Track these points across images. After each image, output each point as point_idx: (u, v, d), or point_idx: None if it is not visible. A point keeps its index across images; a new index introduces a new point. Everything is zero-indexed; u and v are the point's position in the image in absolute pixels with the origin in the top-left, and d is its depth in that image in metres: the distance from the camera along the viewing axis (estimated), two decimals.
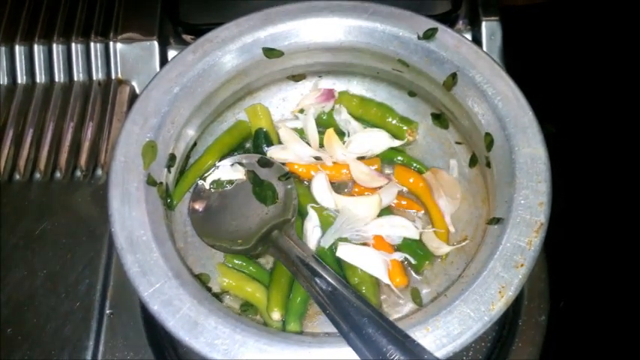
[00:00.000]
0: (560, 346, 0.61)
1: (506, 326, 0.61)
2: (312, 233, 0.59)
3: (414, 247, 0.58)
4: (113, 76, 0.75)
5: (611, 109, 0.67)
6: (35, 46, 0.76)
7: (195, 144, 0.63)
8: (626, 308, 0.61)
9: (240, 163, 0.61)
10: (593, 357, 0.60)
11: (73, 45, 0.76)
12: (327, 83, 0.66)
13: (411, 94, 0.65)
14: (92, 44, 0.75)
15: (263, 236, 0.56)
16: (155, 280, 0.48)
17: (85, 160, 0.70)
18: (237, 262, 0.58)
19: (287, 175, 0.60)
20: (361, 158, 0.62)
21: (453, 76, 0.58)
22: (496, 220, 0.52)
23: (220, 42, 0.60)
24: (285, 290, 0.56)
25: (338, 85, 0.67)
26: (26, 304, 0.61)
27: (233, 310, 0.53)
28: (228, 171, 0.61)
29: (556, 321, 0.61)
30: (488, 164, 0.57)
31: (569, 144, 0.64)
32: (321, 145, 0.63)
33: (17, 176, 0.69)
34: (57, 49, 0.76)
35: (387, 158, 0.63)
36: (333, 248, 0.57)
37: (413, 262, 0.57)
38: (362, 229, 0.58)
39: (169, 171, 0.57)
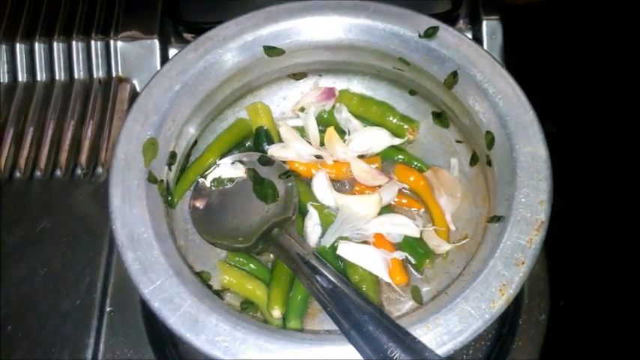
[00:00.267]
0: (561, 345, 0.61)
1: (506, 325, 0.61)
2: (313, 231, 0.59)
3: (414, 246, 0.58)
4: (114, 74, 0.75)
5: (612, 108, 0.67)
6: (36, 44, 0.76)
7: (195, 142, 0.63)
8: (627, 307, 0.61)
9: (241, 162, 0.61)
10: (593, 356, 0.60)
11: (74, 43, 0.76)
12: (327, 82, 0.66)
13: (412, 92, 0.65)
14: (93, 42, 0.75)
15: (264, 234, 0.56)
16: (156, 277, 0.48)
17: (86, 159, 0.70)
18: (238, 259, 0.58)
19: (287, 174, 0.60)
20: (362, 157, 0.62)
21: (454, 74, 0.58)
22: (497, 219, 0.52)
23: (221, 40, 0.60)
24: (286, 288, 0.56)
25: (338, 83, 0.67)
26: (26, 302, 0.61)
27: (234, 308, 0.53)
28: (229, 169, 0.61)
29: (556, 320, 0.61)
30: (489, 163, 0.57)
31: (570, 142, 0.64)
32: (322, 144, 0.63)
33: (18, 174, 0.69)
34: (58, 47, 0.76)
35: (387, 157, 0.63)
36: (334, 246, 0.57)
37: (413, 261, 0.57)
38: (362, 228, 0.58)
39: (170, 169, 0.57)
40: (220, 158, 0.62)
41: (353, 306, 0.47)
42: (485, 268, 0.49)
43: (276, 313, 0.54)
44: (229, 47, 0.60)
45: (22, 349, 0.59)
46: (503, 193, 0.53)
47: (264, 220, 0.58)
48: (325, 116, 0.65)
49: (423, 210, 0.61)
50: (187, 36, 0.77)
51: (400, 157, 0.63)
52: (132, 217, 0.51)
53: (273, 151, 0.62)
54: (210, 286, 0.56)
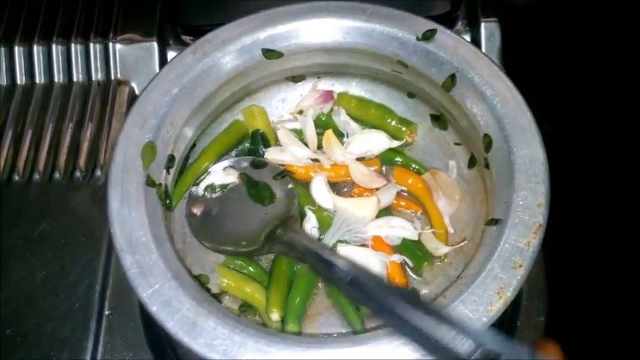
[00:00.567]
0: (559, 347, 0.61)
1: (504, 327, 0.61)
2: (311, 234, 0.59)
3: (412, 248, 0.58)
4: (112, 77, 0.75)
5: (610, 110, 0.67)
6: (34, 47, 0.76)
7: (194, 145, 0.63)
8: (625, 309, 0.61)
9: (233, 167, 0.61)
10: (591, 357, 0.60)
11: (73, 46, 0.76)
12: (326, 84, 0.66)
13: (410, 95, 0.65)
14: (92, 45, 0.75)
15: (268, 235, 0.56)
16: (154, 280, 0.48)
17: (85, 161, 0.70)
18: (237, 262, 0.58)
19: (282, 174, 0.60)
20: (360, 159, 0.62)
21: (452, 77, 0.58)
22: (495, 221, 0.52)
23: (220, 43, 0.60)
24: (284, 291, 0.56)
25: (337, 86, 0.67)
26: (25, 305, 0.61)
27: (232, 311, 0.53)
28: (221, 175, 0.60)
29: (554, 322, 0.61)
30: (487, 165, 0.57)
31: (569, 145, 0.64)
32: (320, 147, 0.64)
33: (16, 177, 0.69)
34: (56, 49, 0.76)
35: (386, 159, 0.63)
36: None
37: (411, 264, 0.57)
38: (361, 231, 0.58)
39: (168, 172, 0.57)
40: (214, 163, 0.61)
41: (377, 289, 0.45)
42: (483, 271, 0.49)
43: (275, 316, 0.54)
44: (228, 50, 0.60)
45: (21, 351, 0.59)
46: (501, 195, 0.53)
47: (265, 222, 0.58)
48: (323, 119, 0.65)
49: (421, 212, 0.61)
50: (186, 38, 0.77)
51: (398, 159, 0.63)
52: (130, 221, 0.51)
53: (271, 154, 0.62)
54: (208, 290, 0.56)
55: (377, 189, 0.61)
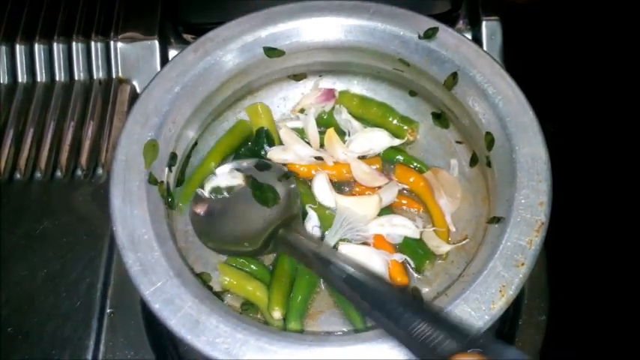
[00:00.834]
0: (560, 345, 0.61)
1: (506, 325, 0.61)
2: (312, 233, 0.59)
3: (414, 247, 0.58)
4: (114, 76, 0.75)
5: (612, 108, 0.67)
6: (36, 45, 0.76)
7: (196, 143, 0.63)
8: (627, 308, 0.61)
9: (238, 169, 0.61)
10: (593, 356, 0.60)
11: (74, 44, 0.76)
12: (327, 82, 0.66)
13: (412, 93, 0.65)
14: (93, 43, 0.75)
15: (270, 236, 0.56)
16: (156, 278, 0.48)
17: (86, 160, 0.70)
18: (239, 260, 0.58)
19: (287, 175, 0.60)
20: (362, 158, 0.62)
21: (454, 75, 0.58)
22: (497, 220, 0.52)
23: (221, 41, 0.60)
24: (286, 289, 0.56)
25: (339, 84, 0.67)
26: (27, 304, 0.61)
27: (234, 309, 0.53)
28: (227, 178, 0.60)
29: (556, 320, 0.61)
30: (489, 163, 0.57)
31: (570, 143, 0.64)
32: (322, 145, 0.64)
33: (18, 175, 0.69)
34: (57, 48, 0.76)
35: (387, 158, 0.63)
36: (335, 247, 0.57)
37: (412, 265, 0.57)
38: (362, 229, 0.58)
39: (170, 170, 0.57)
40: (218, 165, 0.61)
41: (371, 288, 0.46)
42: (485, 269, 0.49)
43: (277, 314, 0.54)
44: (229, 48, 0.60)
45: (22, 350, 0.59)
46: (503, 194, 0.53)
47: (268, 222, 0.58)
48: (325, 117, 0.65)
49: (422, 211, 0.61)
50: (187, 37, 0.77)
51: (400, 157, 0.63)
52: (132, 219, 0.51)
53: (273, 153, 0.62)
54: (210, 288, 0.56)
55: (379, 187, 0.61)
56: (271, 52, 0.61)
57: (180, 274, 0.49)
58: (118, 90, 0.74)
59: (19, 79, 0.76)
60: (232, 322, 0.47)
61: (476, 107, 0.57)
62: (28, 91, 0.75)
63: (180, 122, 0.58)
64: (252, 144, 0.64)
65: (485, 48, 0.73)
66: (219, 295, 0.56)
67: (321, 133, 0.63)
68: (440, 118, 0.64)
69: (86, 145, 0.71)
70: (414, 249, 0.58)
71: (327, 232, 0.58)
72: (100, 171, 0.69)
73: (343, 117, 0.64)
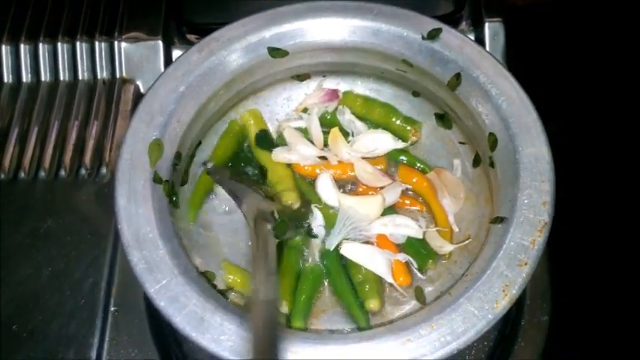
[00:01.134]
0: (563, 346, 0.61)
1: (508, 325, 0.61)
2: (317, 232, 0.59)
3: (417, 247, 0.59)
4: (118, 75, 0.75)
5: (616, 109, 0.67)
6: (40, 45, 0.76)
7: (200, 142, 0.63)
8: (629, 308, 0.61)
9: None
10: (596, 357, 0.60)
11: (78, 44, 0.76)
12: (331, 83, 0.67)
13: (415, 94, 0.65)
14: (97, 43, 0.76)
15: None
16: (161, 276, 0.49)
17: (90, 159, 0.70)
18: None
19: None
20: (366, 158, 0.63)
21: (457, 76, 0.58)
22: (500, 220, 0.53)
23: (226, 41, 0.60)
24: (292, 284, 0.56)
25: (342, 84, 0.67)
26: (31, 302, 0.61)
27: (238, 307, 0.53)
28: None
29: (558, 321, 0.61)
30: (492, 164, 0.57)
31: (573, 143, 0.65)
32: (326, 145, 0.64)
33: (22, 174, 0.69)
34: (62, 48, 0.76)
35: (391, 158, 0.63)
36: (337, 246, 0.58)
37: (415, 265, 0.58)
38: (365, 229, 0.58)
39: (175, 169, 0.57)
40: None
41: None
42: (488, 269, 0.49)
43: (284, 308, 0.54)
44: (234, 48, 0.60)
45: (27, 348, 0.60)
46: (506, 194, 0.54)
47: None
48: (328, 118, 0.65)
49: (425, 211, 0.61)
50: (191, 37, 0.77)
51: (403, 158, 0.63)
52: (137, 217, 0.51)
53: (278, 154, 0.62)
54: (214, 286, 0.56)
55: (382, 187, 0.61)
56: (275, 52, 0.61)
57: (184, 272, 0.50)
58: (122, 90, 0.75)
59: (24, 79, 0.76)
60: (237, 320, 0.47)
61: (479, 108, 0.58)
62: (32, 90, 0.75)
63: (185, 122, 0.58)
64: (249, 146, 0.65)
65: (488, 49, 0.73)
66: (223, 293, 0.56)
67: (325, 133, 0.64)
68: (443, 118, 0.64)
69: (90, 144, 0.71)
70: (417, 249, 0.58)
71: (330, 231, 0.58)
72: (103, 170, 0.69)
73: (346, 117, 0.64)
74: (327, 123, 0.65)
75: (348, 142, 0.63)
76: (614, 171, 0.64)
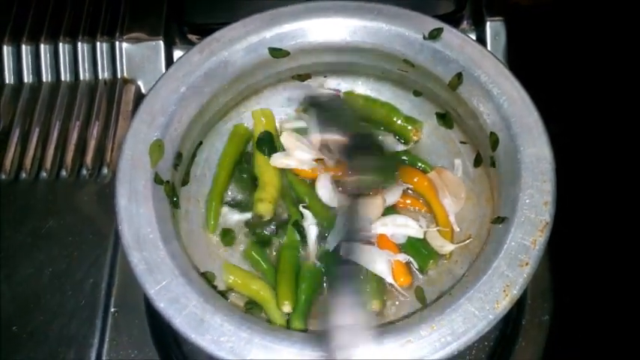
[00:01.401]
0: (564, 346, 0.61)
1: (509, 325, 0.61)
2: (309, 231, 0.59)
3: (418, 247, 0.59)
4: (119, 76, 0.75)
5: (617, 109, 0.67)
6: (41, 46, 0.76)
7: (201, 142, 0.63)
8: (631, 308, 0.61)
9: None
10: (597, 356, 0.60)
11: (79, 44, 0.76)
12: (332, 83, 0.67)
13: (416, 93, 0.65)
14: (98, 44, 0.76)
15: None
16: (162, 277, 0.49)
17: (91, 159, 0.70)
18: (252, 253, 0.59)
19: None
20: None
21: (458, 75, 0.58)
22: (501, 220, 0.52)
23: (227, 42, 0.60)
24: (293, 283, 0.56)
25: (343, 84, 0.67)
26: (32, 302, 0.62)
27: (238, 308, 0.53)
28: None
29: (559, 321, 0.61)
30: (493, 164, 0.57)
31: (575, 143, 0.64)
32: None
33: (23, 175, 0.70)
34: (63, 48, 0.76)
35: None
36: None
37: (416, 266, 0.57)
38: (366, 229, 0.58)
39: (176, 169, 0.57)
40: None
41: None
42: (489, 269, 0.49)
43: (287, 307, 0.54)
44: (235, 49, 0.60)
45: (27, 348, 0.60)
46: (507, 194, 0.53)
47: None
48: None
49: (425, 210, 0.61)
50: (192, 37, 0.77)
51: (404, 158, 0.63)
52: (138, 218, 0.51)
53: (276, 159, 0.62)
54: (215, 287, 0.56)
55: (382, 188, 0.61)
56: (276, 52, 0.61)
57: (185, 273, 0.49)
58: (123, 90, 0.75)
59: (25, 79, 0.76)
60: (237, 321, 0.47)
61: (480, 107, 0.58)
62: (33, 91, 0.75)
63: (186, 122, 0.58)
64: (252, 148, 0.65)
65: (489, 48, 0.73)
66: (223, 294, 0.56)
67: None
68: (444, 118, 0.64)
69: (91, 144, 0.71)
70: (418, 249, 0.58)
71: (330, 232, 0.58)
72: (105, 170, 0.69)
73: None
74: None
75: None
76: (615, 171, 0.64)
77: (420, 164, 0.63)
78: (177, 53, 0.76)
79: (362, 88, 0.67)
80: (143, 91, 0.75)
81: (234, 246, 0.61)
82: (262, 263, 0.58)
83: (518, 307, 0.61)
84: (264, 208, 0.59)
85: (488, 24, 0.74)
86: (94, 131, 0.72)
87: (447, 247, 0.58)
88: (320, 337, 0.46)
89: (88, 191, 0.68)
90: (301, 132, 0.65)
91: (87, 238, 0.65)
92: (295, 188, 0.62)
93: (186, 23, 0.78)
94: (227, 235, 0.61)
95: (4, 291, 0.62)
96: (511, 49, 0.73)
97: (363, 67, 0.65)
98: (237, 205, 0.62)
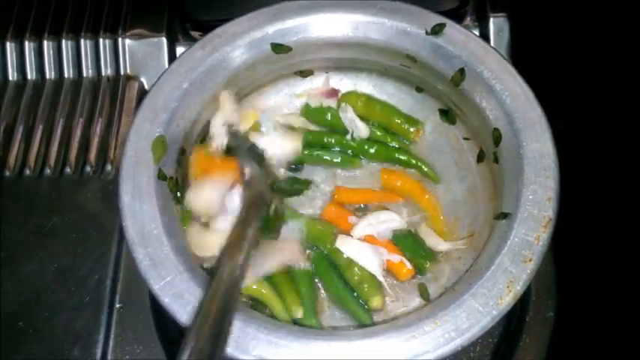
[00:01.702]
0: (568, 342, 0.61)
1: (513, 322, 0.61)
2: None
3: (415, 248, 0.58)
4: (122, 72, 0.75)
5: (621, 105, 0.66)
6: (45, 43, 0.76)
7: (203, 139, 0.63)
8: (635, 304, 0.61)
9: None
10: (601, 353, 0.60)
11: (82, 41, 0.76)
12: (334, 79, 0.67)
13: (419, 89, 0.65)
14: (101, 40, 0.76)
15: None
16: (166, 273, 0.49)
17: (95, 156, 0.70)
18: None
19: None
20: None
21: (461, 71, 0.58)
22: (504, 215, 0.53)
23: (229, 37, 0.60)
24: (293, 288, 0.56)
25: (345, 80, 0.67)
26: (37, 299, 0.62)
27: (243, 304, 0.53)
28: None
29: (563, 317, 0.61)
30: (496, 160, 0.57)
31: (578, 139, 0.64)
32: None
33: (27, 172, 0.70)
34: (66, 45, 0.76)
35: (389, 157, 0.63)
36: (330, 252, 0.58)
37: (409, 267, 0.57)
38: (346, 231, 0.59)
39: (179, 165, 0.57)
40: None
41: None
42: (492, 265, 0.49)
43: (299, 313, 0.54)
44: (237, 45, 0.60)
45: (32, 344, 0.60)
46: (510, 189, 0.53)
47: None
48: (330, 118, 0.65)
49: (404, 201, 0.61)
50: (194, 34, 0.78)
51: (402, 157, 0.63)
52: (142, 214, 0.51)
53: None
54: None
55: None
56: (279, 48, 0.61)
57: (189, 268, 0.50)
58: (126, 87, 0.75)
59: (28, 76, 0.76)
60: (242, 317, 0.47)
61: (483, 103, 0.57)
62: (37, 87, 0.75)
63: (189, 118, 0.58)
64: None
65: (492, 44, 0.73)
66: None
67: (325, 133, 0.64)
68: (447, 114, 0.64)
69: (95, 141, 0.71)
70: (416, 251, 0.58)
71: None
72: (108, 167, 0.70)
73: (349, 116, 0.64)
74: (329, 123, 0.65)
75: (347, 140, 0.63)
76: (618, 167, 0.64)
77: (416, 162, 0.62)
78: (179, 49, 0.76)
79: (364, 83, 0.67)
80: (146, 87, 0.75)
81: None
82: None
83: (522, 304, 0.61)
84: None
85: (491, 20, 0.74)
86: (98, 128, 0.72)
87: (441, 244, 0.58)
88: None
89: (91, 188, 0.68)
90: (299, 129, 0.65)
91: (91, 235, 0.65)
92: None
93: (189, 19, 0.78)
94: None
95: (8, 288, 0.62)
96: (514, 45, 0.73)
97: (366, 62, 0.64)
98: None
